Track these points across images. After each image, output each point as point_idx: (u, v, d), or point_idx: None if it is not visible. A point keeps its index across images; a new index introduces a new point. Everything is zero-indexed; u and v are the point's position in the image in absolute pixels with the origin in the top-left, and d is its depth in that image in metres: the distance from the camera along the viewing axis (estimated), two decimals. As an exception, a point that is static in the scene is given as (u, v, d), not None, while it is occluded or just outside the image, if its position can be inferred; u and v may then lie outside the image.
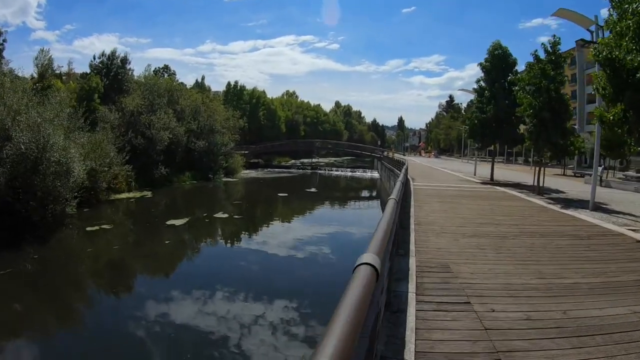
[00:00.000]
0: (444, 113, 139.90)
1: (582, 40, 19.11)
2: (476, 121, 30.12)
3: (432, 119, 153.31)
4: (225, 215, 30.93)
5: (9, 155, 25.28)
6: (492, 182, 30.36)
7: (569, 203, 19.23)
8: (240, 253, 23.14)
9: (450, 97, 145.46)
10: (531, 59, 23.10)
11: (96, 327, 13.53)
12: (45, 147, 26.16)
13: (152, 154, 46.22)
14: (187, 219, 28.96)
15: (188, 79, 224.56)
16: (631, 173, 38.19)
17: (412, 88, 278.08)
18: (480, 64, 30.70)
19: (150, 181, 44.50)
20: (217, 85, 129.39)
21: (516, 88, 25.12)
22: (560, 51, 22.61)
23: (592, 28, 18.48)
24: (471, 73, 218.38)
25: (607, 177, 34.29)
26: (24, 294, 16.18)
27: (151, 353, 11.68)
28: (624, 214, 16.38)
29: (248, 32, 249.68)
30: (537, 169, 23.90)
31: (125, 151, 40.31)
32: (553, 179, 33.28)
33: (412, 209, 14.58)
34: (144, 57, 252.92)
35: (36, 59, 49.76)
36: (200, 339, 12.25)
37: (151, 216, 31.75)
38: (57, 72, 60.46)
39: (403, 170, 21.41)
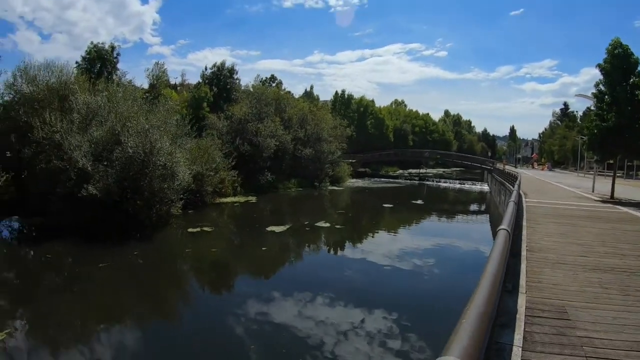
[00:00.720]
0: (558, 122, 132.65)
1: None
2: (596, 130, 26.88)
3: (545, 128, 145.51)
4: (327, 224, 30.01)
5: (118, 158, 26.53)
6: (613, 200, 27.34)
7: None
8: (339, 262, 22.40)
9: (565, 104, 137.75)
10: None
11: (188, 321, 14.08)
12: (152, 151, 27.00)
13: (259, 161, 47.02)
14: (288, 226, 28.46)
15: (297, 89, 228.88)
16: None
17: (524, 96, 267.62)
18: (599, 66, 27.08)
19: (256, 187, 45.22)
20: (325, 94, 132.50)
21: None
22: None
23: None
24: (586, 78, 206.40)
25: None
26: (120, 286, 17.28)
27: (246, 349, 11.76)
28: None
29: (355, 41, 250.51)
30: None
31: (232, 157, 40.93)
32: None
33: (524, 231, 12.90)
34: (255, 68, 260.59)
35: (147, 70, 51.87)
36: (297, 340, 12.28)
37: (253, 221, 31.68)
38: (173, 83, 63.47)
39: (516, 187, 19.76)
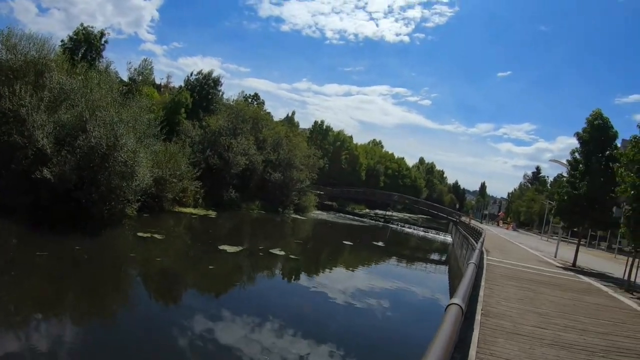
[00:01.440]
0: (529, 185, 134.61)
1: None
2: (566, 197, 26.62)
3: (515, 189, 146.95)
4: (282, 253, 28.69)
5: (80, 145, 25.89)
6: (575, 268, 27.03)
7: None
8: (291, 291, 21.78)
9: (537, 168, 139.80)
10: (627, 136, 20.01)
11: (124, 324, 13.79)
12: (115, 146, 26.02)
13: (226, 176, 45.98)
14: (241, 248, 27.37)
15: (280, 113, 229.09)
16: None
17: (499, 155, 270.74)
18: (577, 134, 26.94)
19: (218, 202, 44.03)
20: (306, 123, 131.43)
21: (617, 165, 21.80)
22: None
23: None
24: (561, 146, 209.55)
25: None
26: (56, 278, 16.94)
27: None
28: None
29: (344, 76, 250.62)
30: (631, 260, 20.43)
31: (200, 168, 39.95)
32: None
33: (481, 291, 12.11)
34: (242, 84, 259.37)
35: (128, 63, 50.78)
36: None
37: (207, 236, 30.76)
38: (158, 83, 62.72)
39: (479, 245, 19.18)
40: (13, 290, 14.50)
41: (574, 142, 27.22)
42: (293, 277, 25.08)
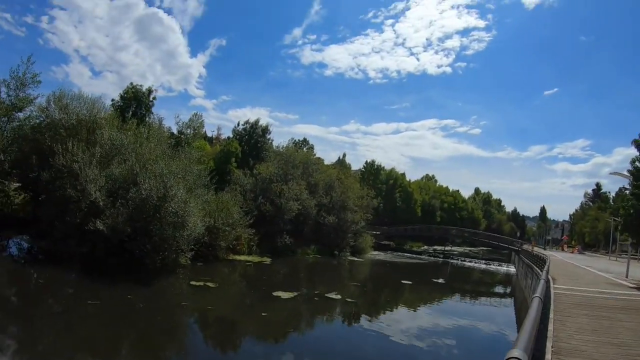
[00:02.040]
0: (590, 203, 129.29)
1: None
2: (632, 210, 25.08)
3: (576, 209, 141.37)
4: (338, 297, 27.91)
5: (132, 198, 26.77)
6: None
7: None
8: (345, 335, 20.94)
9: (597, 185, 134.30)
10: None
11: None
12: (165, 197, 26.41)
13: (279, 222, 45.70)
14: (295, 294, 26.66)
15: (331, 156, 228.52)
16: None
17: (556, 176, 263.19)
18: (636, 141, 25.60)
19: (273, 248, 43.69)
20: (358, 164, 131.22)
21: None
22: None
23: None
24: (619, 158, 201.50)
25: None
26: (98, 327, 16.60)
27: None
28: None
29: (391, 114, 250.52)
30: None
31: (252, 215, 39.95)
32: None
33: (550, 325, 10.95)
34: (291, 131, 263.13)
35: (176, 116, 51.91)
36: None
37: (261, 283, 30.25)
38: (210, 135, 64.20)
39: (543, 275, 18.18)
40: (67, 337, 14.83)
41: (632, 152, 25.77)
42: (351, 320, 24.31)
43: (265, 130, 60.88)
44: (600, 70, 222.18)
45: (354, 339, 20.64)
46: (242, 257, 38.42)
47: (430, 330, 23.09)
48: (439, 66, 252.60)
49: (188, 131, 45.94)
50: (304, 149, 71.80)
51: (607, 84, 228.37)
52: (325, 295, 27.80)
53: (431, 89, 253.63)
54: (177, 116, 53.33)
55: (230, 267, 34.81)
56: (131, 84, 49.28)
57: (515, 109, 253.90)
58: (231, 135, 60.58)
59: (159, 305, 21.06)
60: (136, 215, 26.27)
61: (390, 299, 33.80)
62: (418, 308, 31.13)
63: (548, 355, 7.99)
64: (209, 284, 26.07)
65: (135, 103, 47.69)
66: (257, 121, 60.83)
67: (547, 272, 21.20)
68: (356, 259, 55.83)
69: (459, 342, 21.04)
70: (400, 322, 24.71)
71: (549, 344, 8.82)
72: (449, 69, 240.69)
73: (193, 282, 25.92)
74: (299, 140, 75.10)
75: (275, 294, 25.54)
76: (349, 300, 28.09)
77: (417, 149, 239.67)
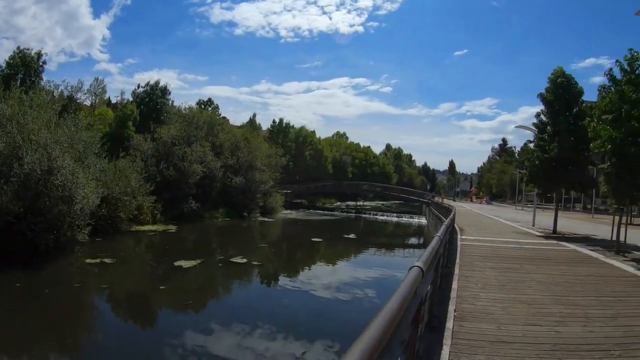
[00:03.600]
0: (497, 157, 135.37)
1: None
2: (537, 162, 25.35)
3: (484, 163, 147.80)
4: (244, 261, 26.79)
5: (16, 174, 24.25)
6: (556, 234, 25.88)
7: None
8: (255, 298, 20.20)
9: (504, 140, 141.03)
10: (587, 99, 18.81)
11: None
12: (51, 170, 24.22)
13: (184, 187, 43.80)
14: (199, 261, 25.18)
15: (243, 117, 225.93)
16: None
17: (464, 132, 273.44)
18: (541, 95, 25.67)
19: (179, 215, 42.00)
20: (269, 124, 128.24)
21: (588, 120, 20.50)
22: None
23: None
24: (524, 116, 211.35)
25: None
26: None
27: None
28: None
29: (302, 73, 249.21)
30: (618, 220, 19.07)
31: (154, 182, 38.17)
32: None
33: (455, 282, 10.31)
34: (201, 93, 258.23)
35: (63, 81, 48.51)
36: None
37: (163, 253, 28.61)
38: (114, 101, 61.24)
39: (447, 221, 17.84)
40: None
41: (536, 110, 26.29)
42: (266, 282, 24.22)
43: (165, 91, 57.90)
44: (508, 35, 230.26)
45: (272, 298, 20.75)
46: (146, 227, 36.56)
47: (350, 283, 23.43)
48: (351, 25, 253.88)
49: (79, 95, 43.16)
50: (209, 109, 69.77)
51: (514, 47, 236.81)
52: (230, 260, 26.73)
53: (343, 48, 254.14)
54: (64, 80, 49.35)
55: (133, 239, 32.96)
56: (18, 48, 45.77)
57: (426, 69, 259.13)
58: (130, 99, 57.59)
59: (50, 290, 19.06)
60: (22, 193, 23.85)
61: (303, 258, 33.80)
62: (336, 263, 31.30)
63: (450, 323, 7.01)
64: (106, 260, 24.29)
65: (23, 69, 44.32)
66: (157, 82, 57.85)
67: (453, 220, 21.07)
68: (267, 219, 55.13)
69: (379, 292, 21.35)
70: (320, 277, 24.90)
71: (451, 307, 8.00)
72: (361, 29, 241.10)
73: (89, 260, 24.09)
74: (203, 100, 72.96)
75: (177, 263, 24.04)
76: (255, 263, 27.15)
77: (329, 107, 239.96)
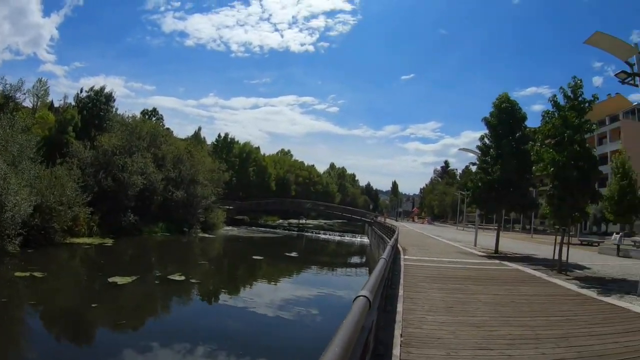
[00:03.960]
0: (439, 179, 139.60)
1: (623, 72, 14.20)
2: (480, 184, 25.89)
3: (426, 184, 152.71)
4: (182, 278, 25.77)
5: None
6: (498, 254, 26.26)
7: (604, 285, 14.92)
8: (166, 330, 17.94)
9: (446, 162, 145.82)
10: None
11: None
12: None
13: (122, 199, 42.37)
14: (135, 278, 23.90)
15: (188, 130, 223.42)
16: (638, 238, 35.55)
17: (408, 154, 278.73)
18: (485, 119, 26.67)
19: (117, 228, 40.51)
20: (214, 139, 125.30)
21: (531, 143, 20.99)
22: (583, 96, 18.30)
23: (633, 60, 14.00)
24: (466, 140, 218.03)
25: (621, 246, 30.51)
26: None
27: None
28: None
29: (251, 89, 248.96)
30: (561, 241, 19.03)
31: (92, 192, 36.75)
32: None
33: (399, 305, 9.85)
34: (147, 103, 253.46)
35: (2, 79, 46.36)
36: None
37: (98, 268, 27.14)
38: (57, 105, 59.19)
39: (392, 241, 17.63)
40: None
41: (477, 136, 27.28)
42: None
43: (110, 97, 56.28)
44: (454, 63, 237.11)
45: (213, 316, 20.11)
46: (82, 240, 34.97)
47: (293, 301, 23.27)
48: (302, 44, 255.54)
49: (18, 95, 41.35)
50: (153, 119, 68.39)
51: (459, 73, 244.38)
52: (168, 277, 25.67)
53: (292, 66, 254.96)
54: (3, 77, 47.12)
55: (67, 251, 31.48)
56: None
57: (373, 90, 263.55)
58: (72, 103, 55.65)
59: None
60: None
61: (245, 275, 33.19)
62: (277, 282, 31.16)
63: (396, 350, 6.55)
64: (36, 273, 22.85)
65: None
66: (102, 88, 56.28)
67: (396, 240, 20.96)
68: (208, 235, 54.05)
69: (321, 310, 21.51)
70: (262, 295, 24.58)
71: (397, 332, 7.55)
72: (311, 48, 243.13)
73: (18, 274, 22.75)
74: (148, 110, 71.53)
75: (111, 280, 22.76)
76: (194, 281, 26.19)
77: (275, 124, 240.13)
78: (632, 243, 33.20)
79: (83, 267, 28.67)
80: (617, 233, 30.94)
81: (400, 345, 6.74)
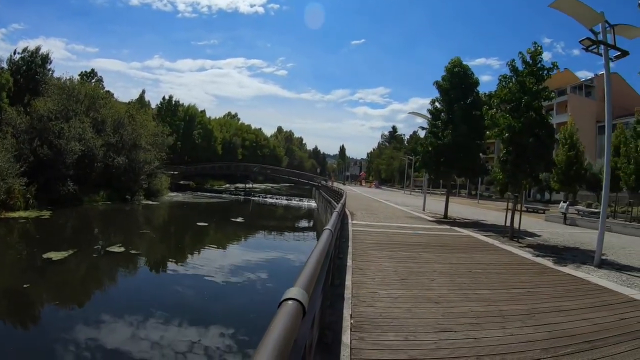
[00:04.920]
0: (387, 144, 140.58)
1: (588, 39, 13.89)
2: (430, 148, 25.79)
3: (373, 149, 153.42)
4: (122, 249, 24.77)
5: None
6: (448, 219, 26.40)
7: (559, 254, 15.07)
8: (116, 303, 17.10)
9: (394, 128, 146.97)
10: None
11: None
12: None
13: (60, 168, 40.28)
14: (72, 252, 22.72)
15: (133, 94, 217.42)
16: (582, 207, 36.58)
17: (356, 118, 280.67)
18: (437, 83, 26.66)
19: (55, 199, 38.57)
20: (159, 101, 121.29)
21: (485, 108, 20.79)
22: (542, 62, 17.98)
23: (598, 28, 13.74)
24: (414, 107, 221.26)
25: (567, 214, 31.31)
26: None
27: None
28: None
29: (198, 51, 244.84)
30: (512, 207, 19.43)
31: (28, 162, 35.08)
32: (502, 214, 30.60)
33: (348, 277, 9.17)
34: (89, 66, 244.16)
35: None
36: None
37: (33, 244, 25.60)
38: None
39: (339, 207, 17.24)
40: None
41: (425, 102, 27.08)
42: (147, 272, 22.71)
43: (46, 59, 53.31)
44: (405, 29, 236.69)
45: (162, 286, 19.85)
46: (17, 214, 33.06)
47: (242, 267, 23.41)
48: (251, 5, 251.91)
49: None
50: (92, 81, 65.70)
51: (409, 40, 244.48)
52: (109, 249, 24.69)
53: (241, 28, 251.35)
54: None
55: (1, 227, 29.76)
56: None
57: (322, 55, 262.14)
58: (4, 66, 52.63)
59: None
60: None
61: (191, 243, 32.65)
62: (225, 248, 30.75)
63: (346, 335, 5.74)
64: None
65: None
66: (37, 49, 53.26)
67: (343, 206, 20.59)
68: (151, 202, 52.77)
69: (271, 275, 21.85)
70: (211, 262, 24.34)
71: (346, 312, 6.74)
72: (261, 9, 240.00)
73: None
74: (86, 72, 68.73)
75: (45, 256, 21.53)
76: (134, 252, 25.19)
77: (222, 87, 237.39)
78: (576, 212, 34.06)
79: (17, 244, 26.78)
80: (564, 202, 31.59)
81: (351, 330, 6.04)
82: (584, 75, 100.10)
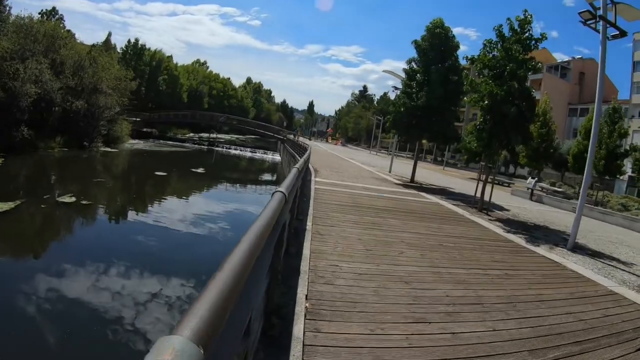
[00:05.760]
0: (356, 102, 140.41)
1: (589, 12, 13.07)
2: (402, 108, 25.24)
3: (342, 107, 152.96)
4: (72, 199, 23.41)
5: None
6: (414, 184, 26.12)
7: (530, 232, 14.77)
8: (72, 255, 15.99)
9: (365, 87, 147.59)
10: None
11: None
12: None
13: (14, 112, 38.04)
14: (18, 202, 21.06)
15: (100, 37, 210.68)
16: (545, 185, 36.47)
17: (328, 75, 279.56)
18: (415, 42, 25.95)
19: (8, 145, 36.12)
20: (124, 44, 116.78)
21: (465, 72, 20.16)
22: (531, 32, 17.29)
23: (598, 3, 13.05)
24: (387, 68, 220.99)
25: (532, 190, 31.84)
26: None
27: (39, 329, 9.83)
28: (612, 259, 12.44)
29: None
30: (484, 179, 19.11)
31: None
32: (469, 183, 30.42)
33: (307, 245, 8.31)
34: (54, 4, 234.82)
35: None
36: (95, 315, 10.78)
37: None
38: None
39: (306, 155, 16.76)
40: None
41: (398, 65, 26.70)
42: (104, 222, 22.00)
43: (2, -6, 50.25)
44: None
45: (121, 236, 19.38)
46: (-33, 163, 30.91)
47: (205, 217, 23.72)
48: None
49: None
50: (53, 20, 62.87)
51: (387, 1, 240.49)
52: (58, 199, 23.34)
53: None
54: None
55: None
56: None
57: (298, 7, 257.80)
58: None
59: None
60: None
61: (148, 194, 31.84)
62: (187, 199, 30.49)
63: (298, 326, 4.80)
64: None
65: None
66: (-7, -18, 50.10)
67: (307, 161, 20.00)
68: (110, 150, 50.98)
69: (233, 226, 22.02)
70: (172, 213, 24.29)
71: (301, 290, 5.83)
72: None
73: None
74: (47, 9, 65.83)
75: None
76: (85, 202, 23.89)
77: (193, 34, 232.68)
78: (540, 189, 34.16)
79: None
80: (533, 178, 32.03)
81: (305, 317, 5.08)
82: (560, 57, 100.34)
